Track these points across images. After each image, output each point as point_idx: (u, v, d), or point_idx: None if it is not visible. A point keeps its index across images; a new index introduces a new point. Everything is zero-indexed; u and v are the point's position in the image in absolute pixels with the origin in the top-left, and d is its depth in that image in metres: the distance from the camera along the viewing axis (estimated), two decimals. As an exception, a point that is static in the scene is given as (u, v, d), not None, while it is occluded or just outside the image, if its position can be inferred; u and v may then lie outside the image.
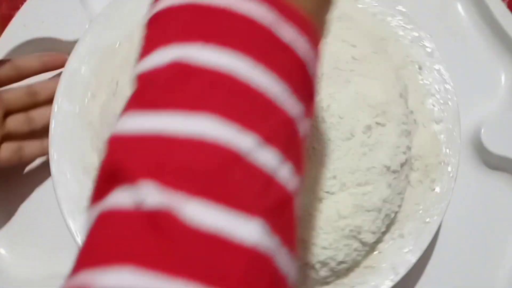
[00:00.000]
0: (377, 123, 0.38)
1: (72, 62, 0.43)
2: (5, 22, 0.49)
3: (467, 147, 0.48)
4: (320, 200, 0.37)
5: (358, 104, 0.38)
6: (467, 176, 0.47)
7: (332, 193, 0.37)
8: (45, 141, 0.43)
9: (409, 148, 0.40)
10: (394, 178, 0.38)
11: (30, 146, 0.44)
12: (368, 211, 0.37)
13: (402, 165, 0.39)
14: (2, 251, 0.46)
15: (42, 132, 0.44)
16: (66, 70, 0.43)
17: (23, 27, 0.49)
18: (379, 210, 0.37)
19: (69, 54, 0.44)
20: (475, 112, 0.48)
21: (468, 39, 0.50)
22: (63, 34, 0.48)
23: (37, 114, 0.44)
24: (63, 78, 0.43)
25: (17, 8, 0.50)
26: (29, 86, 0.45)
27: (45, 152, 0.43)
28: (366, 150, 0.37)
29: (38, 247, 0.46)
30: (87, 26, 0.46)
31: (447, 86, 0.42)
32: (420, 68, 0.43)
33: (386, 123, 0.38)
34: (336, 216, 0.36)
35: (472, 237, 0.46)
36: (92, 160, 0.41)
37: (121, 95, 0.41)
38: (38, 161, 0.47)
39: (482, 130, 0.46)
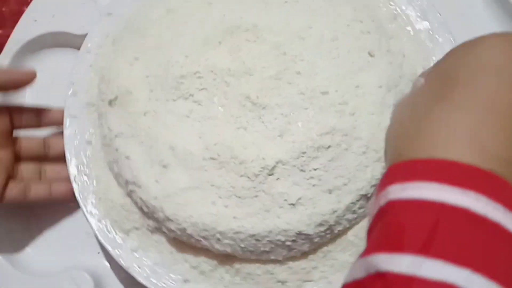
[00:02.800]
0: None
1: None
2: (15, 17, 0.49)
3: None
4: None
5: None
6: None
7: None
8: (52, 186, 0.43)
9: None
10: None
11: (37, 189, 0.43)
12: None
13: None
14: (29, 249, 0.47)
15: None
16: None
17: (34, 22, 0.49)
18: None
19: (79, 48, 0.44)
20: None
21: (479, 19, 0.49)
22: (74, 28, 0.48)
23: (49, 169, 0.44)
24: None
25: (27, 3, 0.50)
26: (44, 139, 0.44)
27: (51, 197, 0.43)
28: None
29: (57, 244, 0.46)
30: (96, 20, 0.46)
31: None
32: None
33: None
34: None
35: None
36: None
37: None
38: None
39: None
